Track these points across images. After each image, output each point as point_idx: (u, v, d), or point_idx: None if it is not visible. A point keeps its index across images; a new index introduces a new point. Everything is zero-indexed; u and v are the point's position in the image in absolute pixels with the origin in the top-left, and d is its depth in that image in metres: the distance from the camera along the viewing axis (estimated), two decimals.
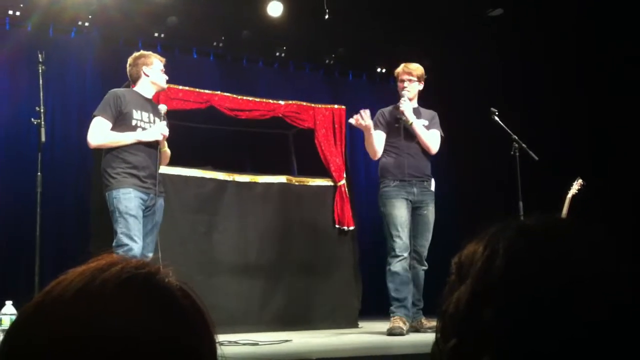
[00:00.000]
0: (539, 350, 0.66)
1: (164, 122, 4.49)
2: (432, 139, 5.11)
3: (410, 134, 5.07)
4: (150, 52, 4.67)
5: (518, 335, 0.67)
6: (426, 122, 5.12)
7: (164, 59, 4.66)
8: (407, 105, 5.01)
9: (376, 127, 5.06)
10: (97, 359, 0.64)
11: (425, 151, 5.11)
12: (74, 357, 0.64)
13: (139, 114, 4.41)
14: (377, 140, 5.03)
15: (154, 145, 4.46)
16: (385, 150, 5.12)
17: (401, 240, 4.91)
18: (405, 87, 5.06)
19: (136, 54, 4.65)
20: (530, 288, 0.68)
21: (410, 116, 5.00)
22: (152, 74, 4.53)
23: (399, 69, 5.18)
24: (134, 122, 4.37)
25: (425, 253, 5.06)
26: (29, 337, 0.67)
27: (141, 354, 0.65)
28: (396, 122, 5.09)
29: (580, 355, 0.66)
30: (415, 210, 5.05)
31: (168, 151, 4.58)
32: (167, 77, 4.64)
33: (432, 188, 5.14)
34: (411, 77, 5.09)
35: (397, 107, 5.14)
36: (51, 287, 0.70)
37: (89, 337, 0.64)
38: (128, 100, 4.41)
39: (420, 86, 5.15)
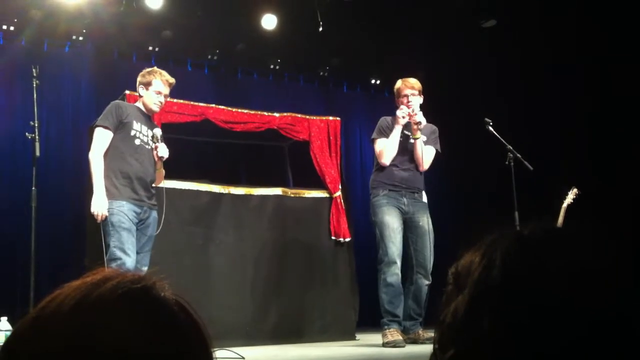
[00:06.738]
0: (538, 355, 0.66)
1: (163, 144, 4.49)
2: (427, 156, 5.09)
3: (405, 147, 5.06)
4: (155, 70, 4.58)
5: (517, 344, 0.67)
6: (424, 138, 5.10)
7: (170, 80, 4.55)
8: (422, 117, 5.00)
9: (384, 134, 5.07)
10: None
11: (418, 165, 5.10)
12: None
13: (139, 125, 4.43)
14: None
15: (150, 158, 4.46)
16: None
17: (394, 246, 4.89)
18: (411, 102, 5.04)
19: (144, 70, 4.62)
20: (528, 297, 0.68)
21: (419, 131, 5.00)
22: (145, 95, 4.53)
23: (400, 85, 5.15)
24: (132, 132, 4.39)
25: (429, 266, 4.98)
26: (24, 353, 0.66)
27: None
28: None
29: (579, 359, 0.66)
30: (411, 223, 5.03)
31: (163, 172, 4.59)
32: (162, 101, 4.56)
33: (424, 200, 5.13)
34: (414, 92, 5.09)
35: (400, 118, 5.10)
36: (46, 302, 0.69)
37: (85, 353, 0.64)
38: (129, 111, 4.44)
39: (421, 99, 5.14)
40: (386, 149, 5.02)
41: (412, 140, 5.06)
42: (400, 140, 5.05)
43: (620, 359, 0.66)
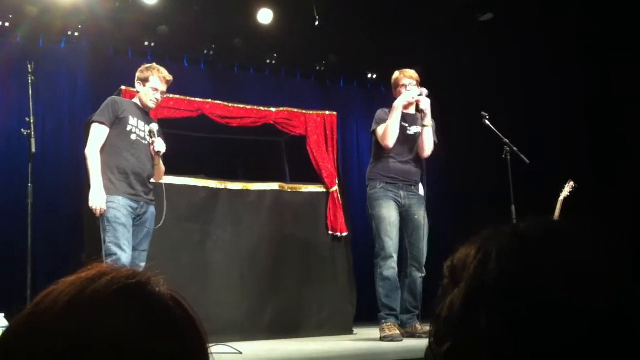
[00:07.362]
0: (536, 352, 0.66)
1: (160, 139, 4.49)
2: (431, 144, 5.09)
3: (404, 139, 5.04)
4: (153, 67, 4.55)
5: (513, 338, 0.67)
6: (419, 129, 5.09)
7: (168, 77, 4.53)
8: (428, 103, 4.99)
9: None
10: None
11: (416, 157, 5.09)
12: None
13: (135, 120, 4.43)
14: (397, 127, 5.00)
15: (146, 153, 4.45)
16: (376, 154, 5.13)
17: (391, 240, 4.89)
18: (409, 91, 5.02)
19: (142, 66, 4.60)
20: (526, 296, 0.68)
21: (428, 118, 4.99)
22: (142, 91, 4.52)
23: (398, 75, 5.13)
24: (129, 128, 4.39)
25: (423, 259, 4.99)
26: (19, 350, 0.66)
27: None
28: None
29: (577, 357, 0.66)
30: (407, 216, 5.03)
31: (162, 167, 4.57)
32: (158, 98, 4.54)
33: (421, 193, 5.12)
34: (412, 81, 5.08)
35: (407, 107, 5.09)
36: (41, 298, 0.69)
37: (79, 349, 0.64)
38: (125, 107, 4.44)
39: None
40: (389, 129, 4.96)
41: (409, 131, 5.05)
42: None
43: (620, 359, 0.66)
